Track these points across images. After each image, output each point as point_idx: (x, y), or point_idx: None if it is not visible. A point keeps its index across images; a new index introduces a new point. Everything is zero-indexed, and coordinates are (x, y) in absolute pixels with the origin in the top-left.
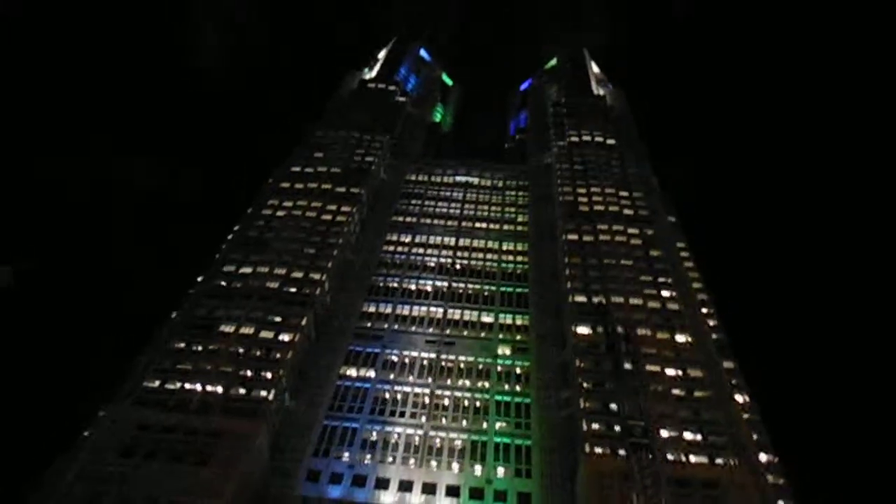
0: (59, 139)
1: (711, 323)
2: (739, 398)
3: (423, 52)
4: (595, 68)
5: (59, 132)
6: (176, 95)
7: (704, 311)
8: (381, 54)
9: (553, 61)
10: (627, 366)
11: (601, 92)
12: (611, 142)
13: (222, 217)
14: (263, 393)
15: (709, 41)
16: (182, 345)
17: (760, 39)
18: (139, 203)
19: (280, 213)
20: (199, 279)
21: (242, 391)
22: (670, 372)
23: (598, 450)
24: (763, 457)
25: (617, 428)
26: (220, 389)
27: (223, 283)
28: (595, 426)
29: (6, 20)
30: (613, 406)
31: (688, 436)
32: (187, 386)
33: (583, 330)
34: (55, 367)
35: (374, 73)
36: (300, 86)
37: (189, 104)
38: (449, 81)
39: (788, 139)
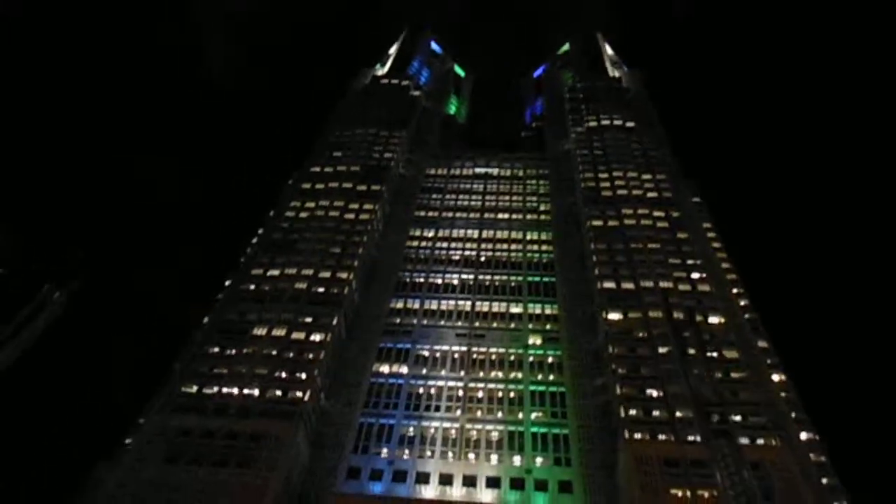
0: (64, 141)
1: (743, 303)
2: (776, 377)
3: (434, 45)
4: (609, 50)
5: (68, 135)
6: (179, 97)
7: (735, 291)
8: (393, 49)
9: (566, 46)
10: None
11: (617, 74)
12: (630, 125)
13: (236, 220)
14: (299, 394)
15: (719, 22)
16: (216, 349)
17: (769, 22)
18: (147, 208)
19: (303, 215)
20: (227, 283)
21: (279, 393)
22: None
23: (638, 435)
24: (804, 435)
25: (656, 413)
26: (256, 392)
27: (252, 287)
28: (633, 412)
29: (6, 20)
30: (652, 392)
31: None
32: (224, 390)
33: (614, 316)
34: (89, 376)
35: (386, 69)
36: (309, 85)
37: (193, 106)
38: (461, 72)
39: (803, 119)
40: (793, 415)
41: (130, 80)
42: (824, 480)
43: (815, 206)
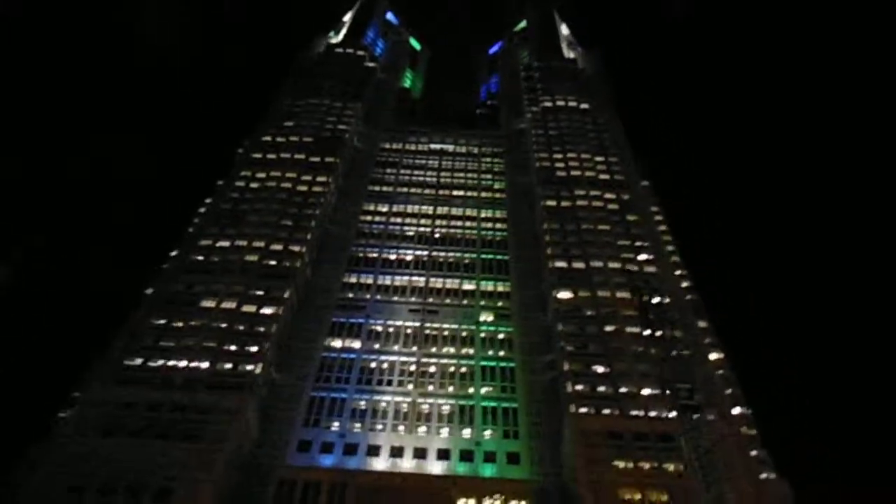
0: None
1: (685, 284)
2: (713, 356)
3: (390, 16)
4: (565, 30)
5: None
6: (127, 68)
7: (678, 272)
8: (347, 17)
9: (522, 23)
10: (609, 328)
11: (572, 54)
12: (584, 106)
13: (183, 191)
14: (250, 367)
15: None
16: (162, 321)
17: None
18: (92, 180)
19: (254, 185)
20: (173, 254)
21: (228, 366)
22: (648, 333)
23: (583, 409)
24: (737, 410)
25: (601, 388)
26: (205, 365)
27: (201, 258)
28: (579, 387)
29: (6, 20)
30: (598, 368)
31: (668, 393)
32: (171, 363)
33: (564, 294)
34: (21, 351)
35: (340, 37)
36: (258, 51)
37: (142, 77)
38: (417, 46)
39: (752, 100)
40: (727, 391)
41: (80, 55)
42: (754, 452)
43: (761, 192)
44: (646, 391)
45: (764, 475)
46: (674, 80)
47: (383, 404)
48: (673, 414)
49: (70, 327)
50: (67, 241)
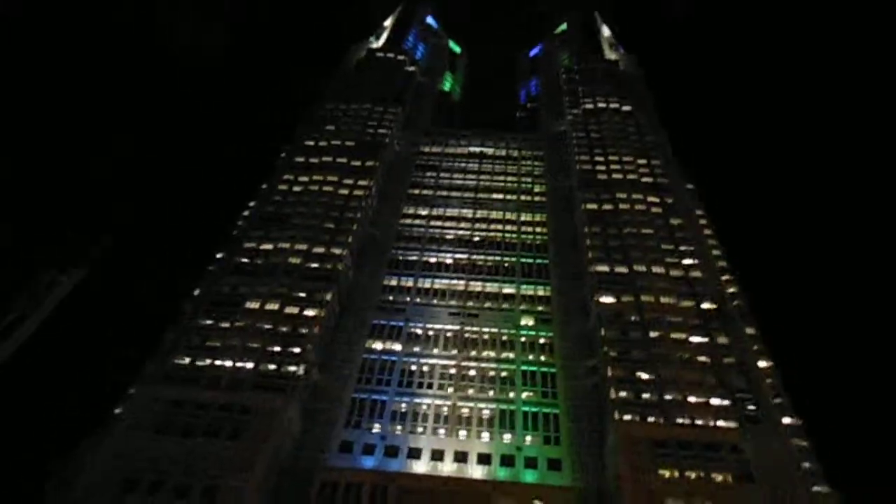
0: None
1: (732, 290)
2: (762, 364)
3: (430, 20)
4: (606, 32)
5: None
6: (173, 77)
7: (725, 278)
8: (388, 22)
9: (563, 26)
10: (653, 334)
11: (614, 56)
12: (626, 108)
13: (227, 194)
14: (293, 368)
15: (718, 7)
16: (209, 322)
17: (766, 9)
18: (145, 184)
19: (297, 188)
20: (219, 256)
21: (272, 367)
22: (695, 339)
23: (628, 417)
24: (786, 420)
25: (646, 395)
26: (249, 365)
27: (245, 260)
28: (623, 394)
29: (6, 20)
30: (642, 374)
31: (714, 402)
32: (217, 362)
33: (606, 299)
34: (78, 348)
35: (381, 42)
36: (301, 58)
37: (183, 82)
38: (457, 49)
39: (800, 101)
40: (777, 400)
41: (117, 55)
42: (806, 464)
43: (806, 197)
44: (692, 399)
45: (816, 488)
46: (716, 82)
47: (424, 407)
48: (721, 423)
49: (130, 325)
50: (126, 241)
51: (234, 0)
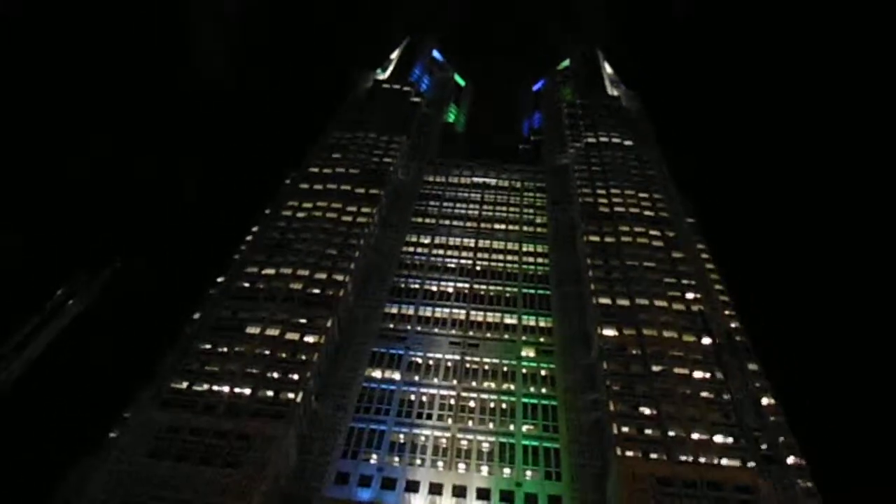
0: (60, 139)
1: (734, 325)
2: (765, 401)
3: (435, 53)
4: (608, 68)
5: (61, 132)
6: (178, 99)
7: (727, 312)
8: (395, 55)
9: (566, 62)
10: (655, 368)
11: (615, 92)
12: (628, 143)
13: (228, 219)
14: (291, 395)
15: (713, 38)
16: (208, 346)
17: (763, 35)
18: (141, 204)
19: (300, 215)
20: (219, 280)
21: (270, 393)
22: (698, 374)
23: (630, 453)
24: (791, 459)
25: (649, 431)
26: (247, 391)
27: (247, 285)
28: (625, 429)
29: (6, 20)
30: (644, 409)
31: (718, 439)
32: (215, 388)
33: (608, 332)
34: (76, 368)
35: (387, 74)
36: (304, 87)
37: (192, 108)
38: (462, 82)
39: (799, 135)
40: (780, 439)
41: (124, 79)
42: None
43: (808, 232)
44: (695, 435)
45: None
46: (716, 116)
47: (422, 438)
48: (725, 461)
49: (131, 347)
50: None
51: (239, 25)
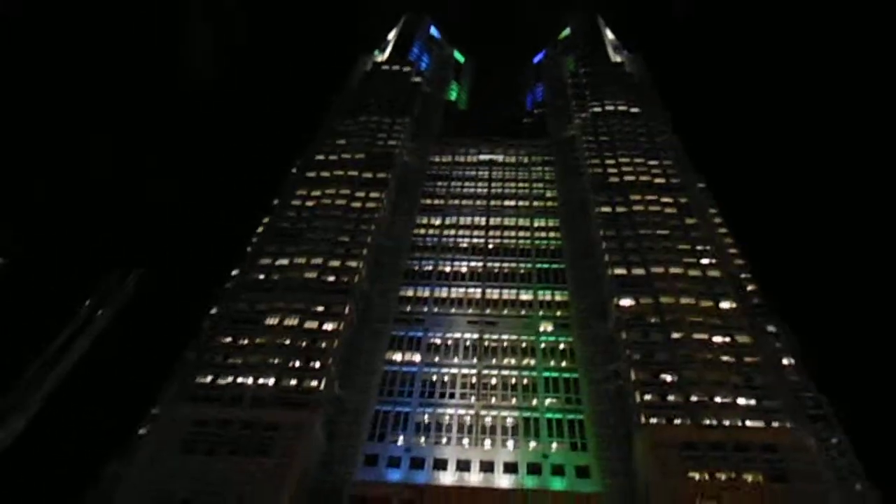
0: (60, 140)
1: (750, 288)
2: (785, 361)
3: (433, 30)
4: (610, 35)
5: (60, 132)
6: (174, 94)
7: (743, 276)
8: (391, 35)
9: (566, 31)
10: (675, 335)
11: (619, 59)
12: (634, 110)
13: (235, 211)
14: (314, 383)
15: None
16: (229, 339)
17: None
18: (145, 201)
19: (309, 203)
20: (234, 273)
21: (294, 382)
22: (718, 339)
23: (654, 420)
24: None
25: (671, 397)
26: (271, 382)
27: (262, 276)
28: (647, 397)
29: (6, 20)
30: (666, 377)
31: (741, 401)
32: (239, 380)
33: (626, 302)
34: (97, 367)
35: (386, 55)
36: (306, 72)
37: (188, 102)
38: (461, 58)
39: (802, 102)
40: (808, 395)
41: (123, 78)
42: (843, 460)
43: (818, 192)
44: (718, 399)
45: (858, 485)
46: (721, 78)
47: (447, 417)
48: (749, 422)
49: (150, 344)
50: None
51: (235, 16)
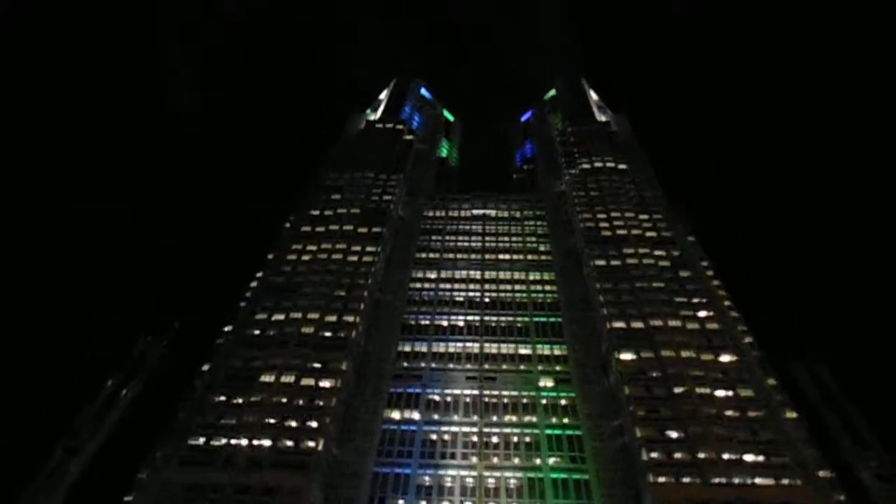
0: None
1: (747, 340)
2: (788, 415)
3: (423, 91)
4: (594, 95)
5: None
6: (153, 144)
7: (740, 328)
8: (383, 95)
9: (552, 91)
10: (677, 390)
11: (603, 118)
12: (622, 167)
13: (228, 266)
14: (311, 444)
15: (705, 51)
16: (223, 398)
17: (758, 40)
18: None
19: (305, 258)
20: (227, 329)
21: (290, 443)
22: (720, 393)
23: (663, 479)
24: (821, 473)
25: (678, 455)
26: (267, 443)
27: (257, 332)
28: (654, 455)
29: (6, 20)
30: (671, 433)
31: (749, 458)
32: (233, 441)
33: (626, 356)
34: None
35: (379, 114)
36: (297, 128)
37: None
38: (450, 117)
39: (796, 142)
40: (809, 452)
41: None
42: None
43: (810, 240)
44: (725, 455)
45: None
46: (703, 134)
47: (448, 480)
48: (758, 480)
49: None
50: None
51: (224, 67)
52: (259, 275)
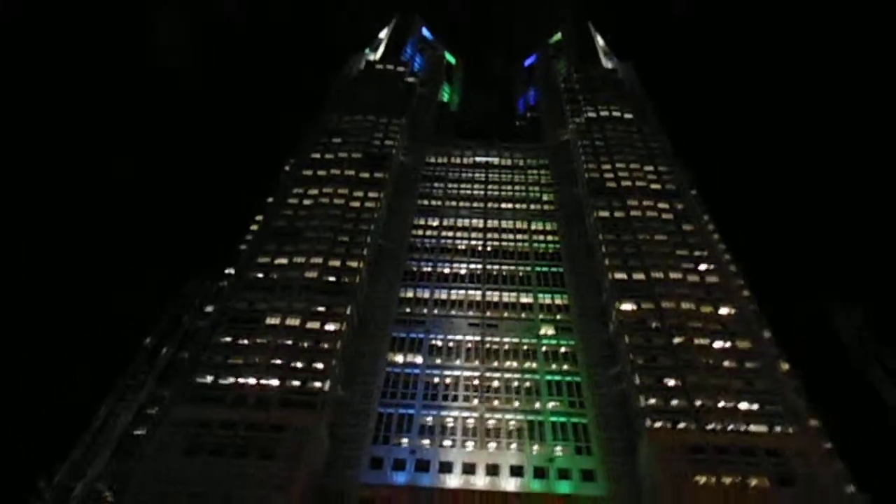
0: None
1: (746, 293)
2: (784, 366)
3: (425, 31)
4: (601, 41)
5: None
6: (157, 91)
7: (739, 282)
8: (383, 34)
9: (557, 35)
10: (676, 340)
11: (610, 65)
12: (628, 116)
13: (226, 209)
14: (318, 384)
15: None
16: (229, 339)
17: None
18: (131, 199)
19: (307, 202)
20: (229, 272)
21: (297, 383)
22: (718, 344)
23: (659, 424)
24: (813, 422)
25: (675, 402)
26: (275, 382)
27: (260, 275)
28: (652, 401)
29: (6, 20)
30: (669, 381)
31: (744, 406)
32: (241, 380)
33: (627, 306)
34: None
35: (379, 55)
36: (294, 67)
37: (171, 99)
38: (452, 60)
39: (791, 112)
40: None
41: (111, 76)
42: (839, 465)
43: (811, 200)
44: (721, 403)
45: (849, 489)
46: (709, 86)
47: (450, 420)
48: (753, 427)
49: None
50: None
51: (221, 9)
52: (259, 218)
